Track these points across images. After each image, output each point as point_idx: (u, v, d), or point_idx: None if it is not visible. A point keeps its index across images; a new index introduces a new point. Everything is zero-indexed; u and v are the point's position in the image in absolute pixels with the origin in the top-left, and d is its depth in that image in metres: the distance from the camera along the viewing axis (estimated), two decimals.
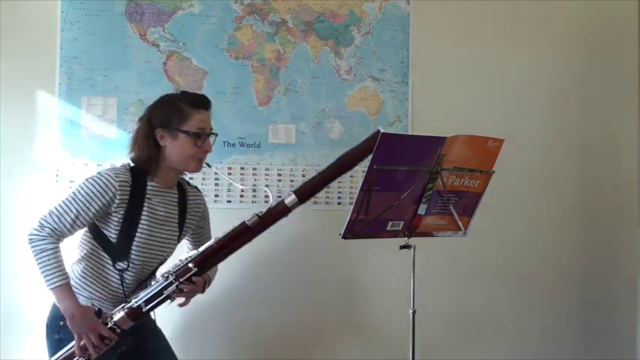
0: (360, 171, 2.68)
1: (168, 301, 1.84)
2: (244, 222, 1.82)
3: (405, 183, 1.90)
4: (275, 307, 2.70)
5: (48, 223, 1.79)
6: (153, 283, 1.88)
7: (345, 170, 1.85)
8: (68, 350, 1.79)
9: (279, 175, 2.70)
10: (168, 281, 1.80)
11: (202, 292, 1.95)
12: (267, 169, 2.69)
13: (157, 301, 1.80)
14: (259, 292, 2.69)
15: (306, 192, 1.83)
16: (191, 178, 2.16)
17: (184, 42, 2.64)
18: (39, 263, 1.76)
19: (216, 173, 1.95)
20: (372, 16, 2.78)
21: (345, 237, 1.90)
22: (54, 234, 1.78)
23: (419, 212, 2.00)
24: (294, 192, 1.82)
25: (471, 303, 2.84)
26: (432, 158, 1.90)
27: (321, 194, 2.71)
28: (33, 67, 2.55)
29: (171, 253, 1.99)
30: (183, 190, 2.02)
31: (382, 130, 1.75)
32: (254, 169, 2.68)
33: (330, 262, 2.72)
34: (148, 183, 1.89)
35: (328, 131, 2.73)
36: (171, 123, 1.86)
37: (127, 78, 2.60)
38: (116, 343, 1.82)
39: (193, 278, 1.81)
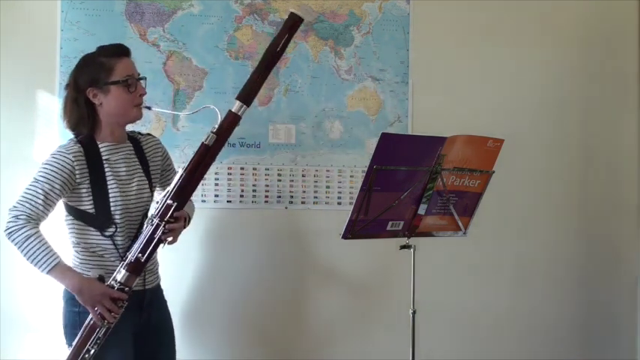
0: (360, 171, 2.72)
1: (162, 245, 1.87)
2: (202, 142, 1.84)
3: (405, 183, 1.91)
4: (275, 307, 2.70)
5: (21, 211, 1.78)
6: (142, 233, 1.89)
7: (275, 60, 1.89)
8: (88, 324, 1.80)
9: (279, 175, 2.69)
10: (154, 225, 1.83)
11: (185, 226, 1.97)
12: (267, 169, 2.69)
13: (151, 247, 1.83)
14: (259, 292, 2.68)
15: (248, 93, 1.88)
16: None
17: (184, 42, 2.64)
18: (26, 252, 1.75)
19: (149, 108, 2.00)
20: (372, 16, 2.78)
21: (345, 237, 1.90)
22: (30, 219, 1.78)
23: (419, 212, 2.00)
24: (237, 98, 1.87)
25: (471, 302, 2.84)
26: (432, 158, 1.90)
27: (322, 194, 2.72)
28: (33, 67, 2.54)
29: (150, 203, 2.01)
30: (137, 140, 2.05)
31: (294, 11, 1.89)
32: (254, 169, 2.68)
33: (330, 262, 2.72)
34: (100, 145, 1.90)
35: (328, 131, 2.73)
36: (99, 79, 1.87)
37: None
38: (132, 319, 1.87)
39: (175, 214, 1.84)
